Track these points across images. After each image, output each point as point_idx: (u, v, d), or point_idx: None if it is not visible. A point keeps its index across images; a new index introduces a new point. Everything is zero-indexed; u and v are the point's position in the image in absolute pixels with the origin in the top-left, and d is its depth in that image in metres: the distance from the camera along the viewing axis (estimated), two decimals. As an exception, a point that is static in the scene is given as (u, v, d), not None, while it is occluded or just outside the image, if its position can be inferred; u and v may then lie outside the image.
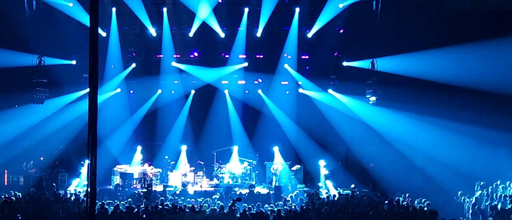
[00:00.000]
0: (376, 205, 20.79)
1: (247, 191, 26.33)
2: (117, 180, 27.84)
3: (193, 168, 28.97)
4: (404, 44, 28.63)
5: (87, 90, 9.36)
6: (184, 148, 29.96)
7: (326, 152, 30.32)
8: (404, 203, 21.69)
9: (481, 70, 26.70)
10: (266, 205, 22.51)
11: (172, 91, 32.47)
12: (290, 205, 22.26)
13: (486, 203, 22.74)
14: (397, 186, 26.06)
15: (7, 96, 28.68)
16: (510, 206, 21.39)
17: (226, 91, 32.45)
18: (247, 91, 32.62)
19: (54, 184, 27.15)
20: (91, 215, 9.51)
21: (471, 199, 22.69)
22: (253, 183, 27.94)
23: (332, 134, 30.73)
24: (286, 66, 31.57)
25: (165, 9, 30.20)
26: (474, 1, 29.35)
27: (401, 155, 28.62)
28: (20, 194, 22.98)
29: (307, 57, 31.83)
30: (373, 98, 28.67)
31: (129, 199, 23.30)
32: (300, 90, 31.83)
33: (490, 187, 24.34)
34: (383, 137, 29.47)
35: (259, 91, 32.34)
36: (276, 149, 29.62)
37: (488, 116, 27.20)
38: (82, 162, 27.54)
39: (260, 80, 32.47)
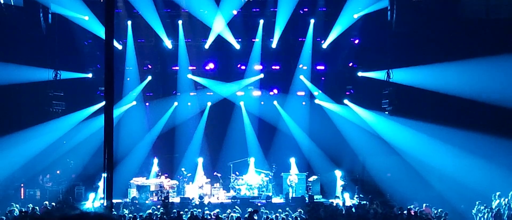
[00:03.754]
0: (394, 216, 20.67)
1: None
2: (133, 192, 27.76)
3: (209, 180, 28.90)
4: (419, 54, 28.54)
5: (103, 103, 9.39)
6: (200, 160, 29.86)
7: (342, 163, 30.13)
8: (422, 213, 21.53)
9: (497, 84, 26.50)
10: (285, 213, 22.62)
11: (189, 103, 32.49)
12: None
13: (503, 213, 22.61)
14: (414, 196, 25.90)
15: (24, 111, 28.82)
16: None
17: (241, 103, 32.40)
18: (262, 103, 32.52)
19: (70, 197, 27.19)
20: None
21: (493, 209, 22.55)
22: (270, 194, 27.87)
23: (347, 145, 30.55)
24: (301, 77, 31.52)
25: (180, 22, 30.35)
26: (489, 10, 29.21)
27: (417, 165, 28.39)
28: (37, 207, 23.06)
29: (322, 68, 31.79)
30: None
31: (148, 211, 23.28)
32: (316, 101, 31.73)
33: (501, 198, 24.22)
34: (399, 148, 29.26)
35: (275, 103, 32.25)
36: (292, 160, 29.47)
37: (503, 129, 26.94)
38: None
39: (275, 91, 32.42)
